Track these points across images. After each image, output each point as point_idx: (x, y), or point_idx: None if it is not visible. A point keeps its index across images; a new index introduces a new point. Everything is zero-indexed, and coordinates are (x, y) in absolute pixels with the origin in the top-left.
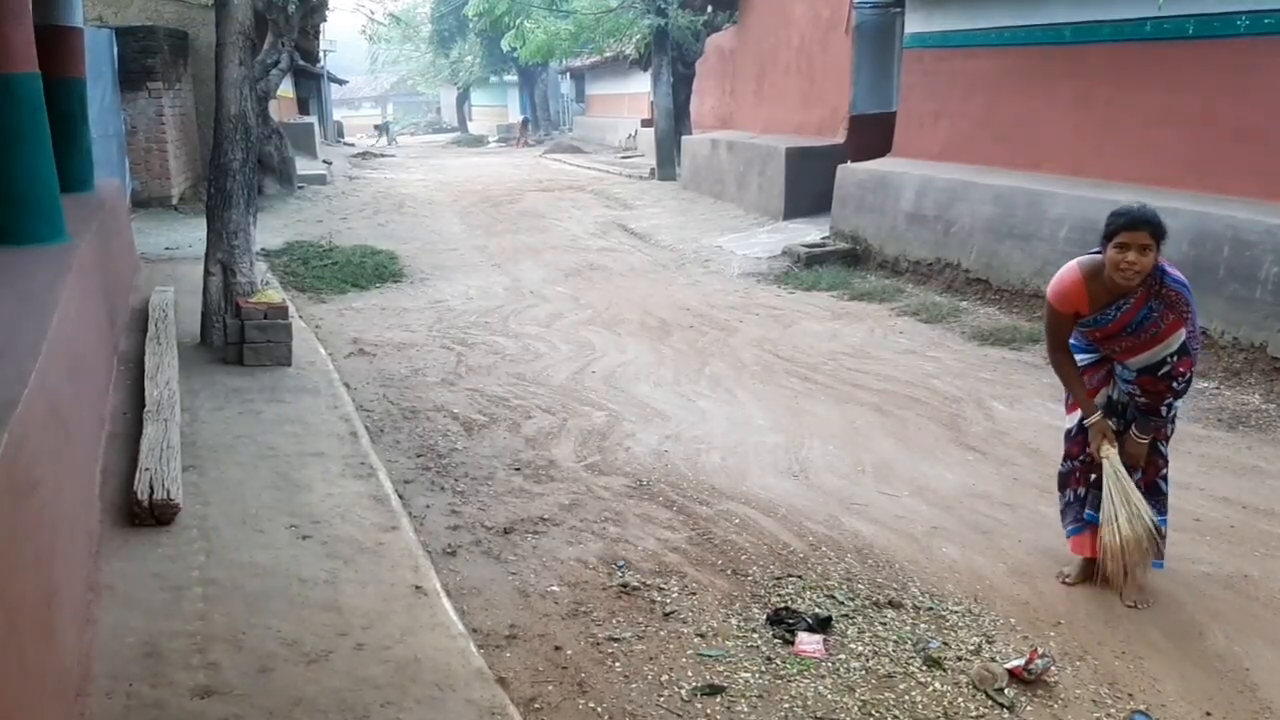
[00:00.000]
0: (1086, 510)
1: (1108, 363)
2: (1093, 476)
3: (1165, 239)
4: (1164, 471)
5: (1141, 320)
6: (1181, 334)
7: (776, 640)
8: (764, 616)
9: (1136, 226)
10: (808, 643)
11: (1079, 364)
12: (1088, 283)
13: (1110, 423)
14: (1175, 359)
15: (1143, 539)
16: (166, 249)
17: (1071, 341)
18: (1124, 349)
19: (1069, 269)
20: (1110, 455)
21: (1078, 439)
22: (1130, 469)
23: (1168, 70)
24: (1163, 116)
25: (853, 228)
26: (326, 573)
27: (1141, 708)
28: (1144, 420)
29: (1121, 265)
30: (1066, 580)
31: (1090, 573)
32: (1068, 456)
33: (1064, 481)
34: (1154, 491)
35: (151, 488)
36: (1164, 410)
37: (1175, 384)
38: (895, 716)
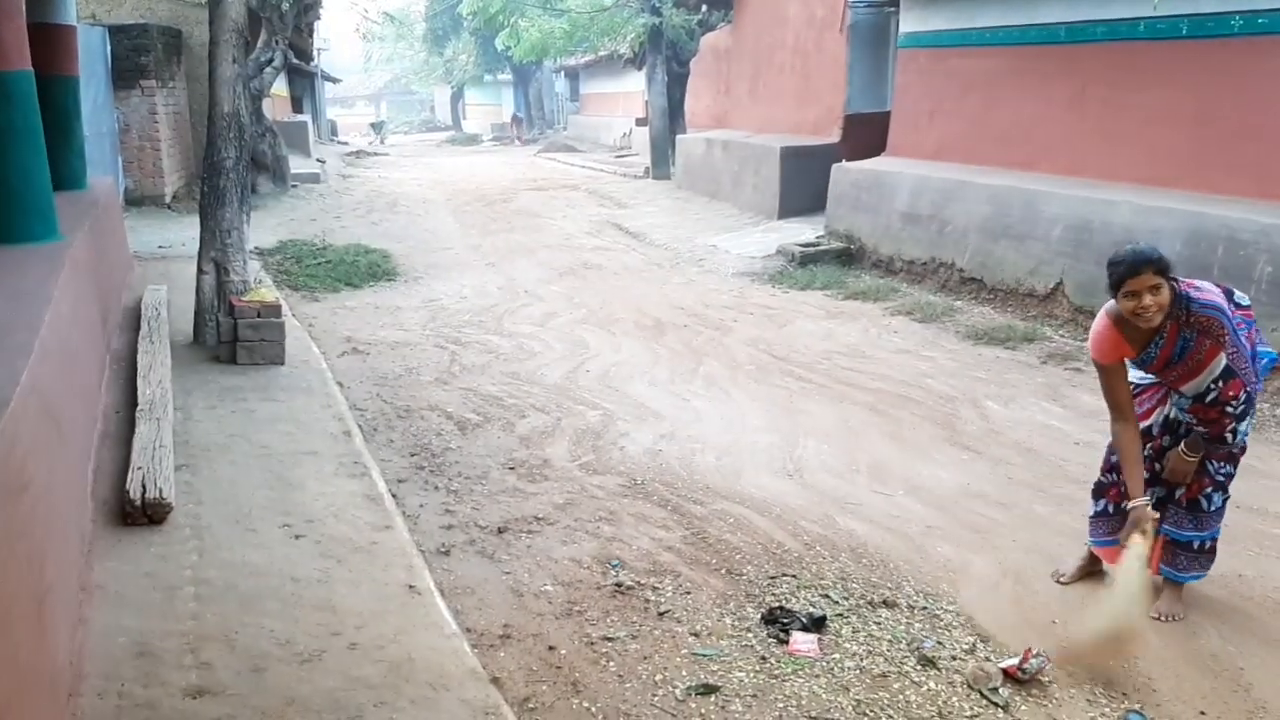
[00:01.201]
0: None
1: (1165, 385)
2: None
3: (1171, 270)
4: (1208, 489)
5: (1181, 350)
6: (1221, 359)
7: (771, 640)
8: (758, 616)
9: (1139, 271)
10: (802, 642)
11: (1136, 383)
12: (1120, 326)
13: (1147, 507)
14: (1221, 384)
15: (1126, 639)
16: (160, 247)
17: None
18: (1176, 377)
19: (1099, 318)
20: (1136, 545)
21: None
22: (1174, 485)
23: (1162, 70)
24: (1157, 116)
25: (847, 227)
26: (320, 572)
27: (1136, 707)
28: (1197, 440)
29: (1138, 311)
30: (1061, 579)
31: (1086, 572)
32: (1112, 469)
33: (1100, 491)
34: (1194, 508)
35: (144, 487)
36: (1229, 437)
37: (1229, 408)
38: (890, 716)
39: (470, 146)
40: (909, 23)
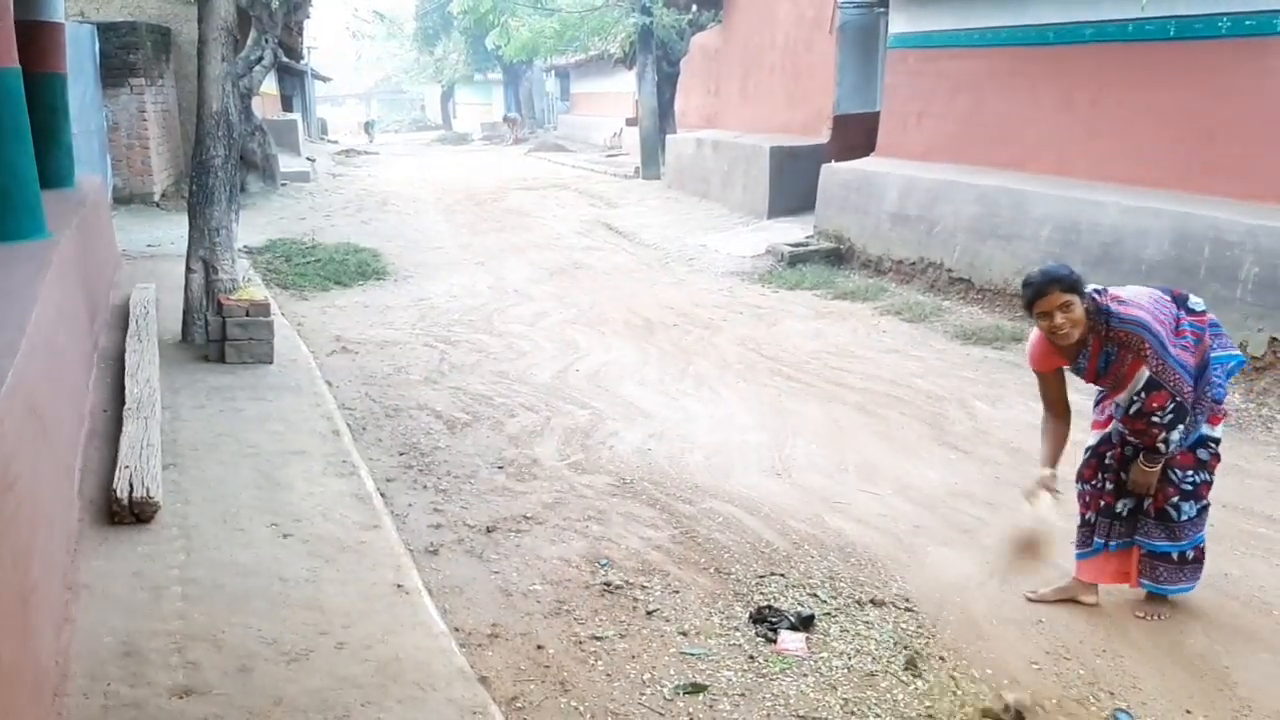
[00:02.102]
0: (1096, 538)
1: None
2: (1112, 505)
3: (1079, 285)
4: (1174, 499)
5: (1105, 364)
6: (1144, 373)
7: (759, 639)
8: (747, 615)
9: (1045, 293)
10: (790, 641)
11: (1100, 393)
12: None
13: (1050, 475)
14: (1144, 395)
15: (1034, 545)
16: (148, 246)
17: None
18: (1111, 388)
19: (1034, 330)
20: (1038, 505)
21: (1090, 462)
22: (1139, 496)
23: (1150, 71)
24: (1145, 117)
25: (836, 227)
26: (308, 571)
27: (1122, 705)
28: (1150, 453)
29: (1052, 330)
30: (1030, 595)
31: (1066, 597)
32: (1079, 478)
33: (1077, 500)
34: (1163, 518)
35: (131, 486)
36: (1163, 447)
37: (1155, 419)
38: (877, 715)
39: (460, 145)
40: (898, 23)
